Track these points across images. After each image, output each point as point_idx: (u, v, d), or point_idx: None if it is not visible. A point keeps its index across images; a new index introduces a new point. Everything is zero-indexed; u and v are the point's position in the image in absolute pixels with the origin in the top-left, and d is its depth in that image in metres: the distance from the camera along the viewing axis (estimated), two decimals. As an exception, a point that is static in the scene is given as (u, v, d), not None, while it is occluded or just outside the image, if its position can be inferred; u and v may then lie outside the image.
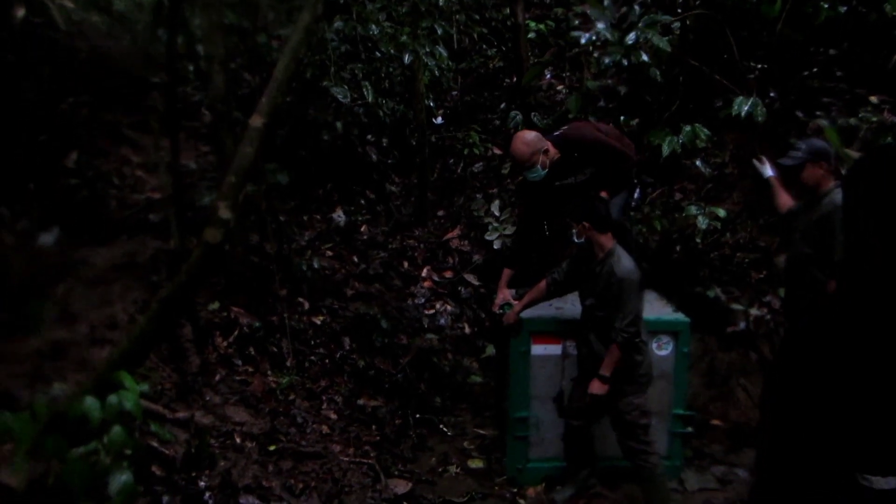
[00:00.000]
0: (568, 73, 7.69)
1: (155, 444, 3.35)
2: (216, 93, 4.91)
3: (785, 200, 4.13)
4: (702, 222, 5.01)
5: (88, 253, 4.85)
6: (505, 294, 4.31)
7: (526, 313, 4.14)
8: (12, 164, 5.10)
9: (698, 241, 5.31)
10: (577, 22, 7.39)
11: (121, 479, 2.86)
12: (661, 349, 4.22)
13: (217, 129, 4.98)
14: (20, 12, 5.08)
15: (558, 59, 7.80)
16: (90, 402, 2.96)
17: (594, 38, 5.35)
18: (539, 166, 4.07)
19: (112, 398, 2.99)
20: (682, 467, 4.29)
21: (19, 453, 2.66)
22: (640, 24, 5.09)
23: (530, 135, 4.13)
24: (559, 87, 7.61)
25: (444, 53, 7.06)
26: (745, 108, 4.86)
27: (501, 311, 4.20)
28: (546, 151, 4.08)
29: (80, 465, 2.71)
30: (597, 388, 3.68)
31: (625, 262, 3.62)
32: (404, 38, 6.48)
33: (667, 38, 5.40)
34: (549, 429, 4.23)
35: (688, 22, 5.87)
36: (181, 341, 4.04)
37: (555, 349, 4.20)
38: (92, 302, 4.39)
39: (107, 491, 2.82)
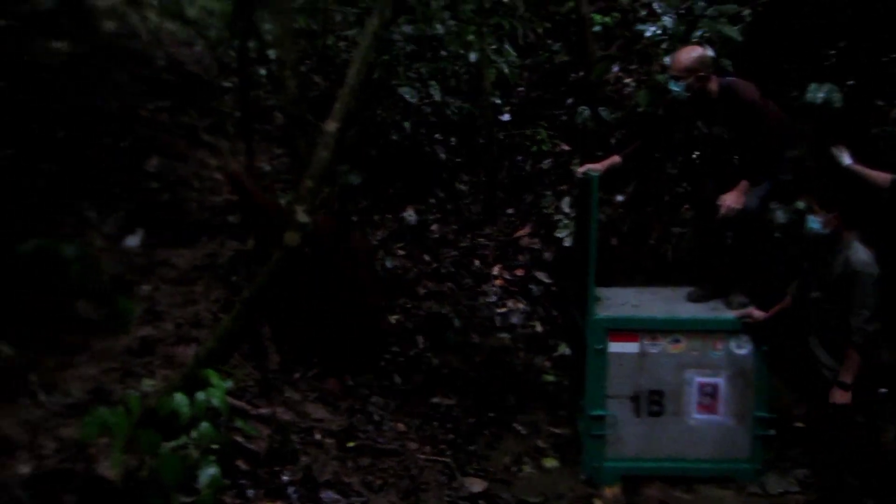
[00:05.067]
0: (636, 66, 7.54)
1: (240, 439, 3.44)
2: (288, 96, 5.02)
3: (880, 176, 3.89)
4: (780, 217, 4.82)
5: (171, 254, 5.05)
6: (594, 165, 4.19)
7: (603, 310, 4.09)
8: (99, 169, 5.34)
9: (777, 235, 5.13)
10: (643, 13, 7.24)
11: (209, 472, 2.95)
12: (741, 348, 4.10)
13: (290, 131, 5.09)
14: (108, 25, 5.31)
15: (625, 51, 7.66)
16: (179, 398, 3.06)
17: (659, 31, 5.23)
18: (685, 83, 3.92)
19: (200, 395, 3.10)
20: (763, 470, 4.16)
21: (116, 447, 2.77)
22: (706, 15, 4.94)
23: (703, 53, 3.96)
24: (627, 81, 7.47)
25: (510, 50, 7.03)
26: (821, 95, 4.64)
27: (584, 175, 4.12)
28: (704, 79, 3.92)
29: (172, 458, 2.81)
30: (839, 396, 3.42)
31: (861, 254, 3.38)
32: (470, 36, 6.49)
33: (737, 26, 5.23)
34: (625, 427, 4.16)
35: (759, 8, 5.67)
36: (261, 340, 4.14)
37: (632, 347, 4.12)
38: (176, 301, 4.56)
39: (196, 484, 2.91)
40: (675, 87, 3.99)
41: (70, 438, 3.09)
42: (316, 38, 7.29)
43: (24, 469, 2.81)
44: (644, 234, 5.58)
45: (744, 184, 3.94)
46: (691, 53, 3.98)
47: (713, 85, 3.99)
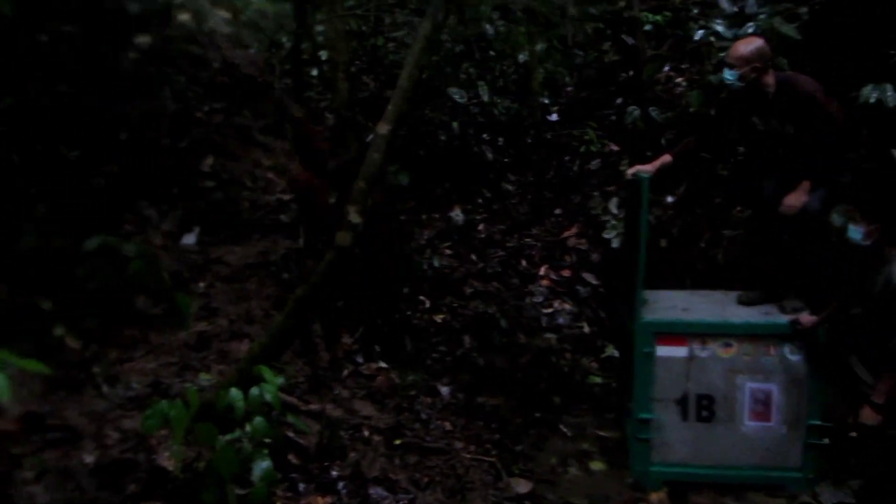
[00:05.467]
0: (687, 66, 7.43)
1: (291, 434, 3.53)
2: (340, 97, 5.12)
3: None
4: (837, 220, 4.69)
5: (225, 251, 5.18)
6: (644, 167, 4.15)
7: (651, 313, 4.06)
8: (158, 169, 5.52)
9: (834, 239, 5.00)
10: (695, 11, 7.13)
11: (262, 465, 3.03)
12: (794, 354, 4.01)
13: (341, 132, 5.18)
14: (168, 30, 5.48)
15: (677, 50, 7.55)
16: (235, 393, 3.15)
17: (710, 34, 5.15)
18: (739, 73, 3.85)
19: (254, 390, 3.18)
20: (816, 480, 4.07)
21: (177, 439, 2.88)
22: (760, 15, 4.84)
23: (762, 45, 3.88)
24: (678, 80, 7.36)
25: (559, 49, 7.01)
26: (875, 95, 4.49)
27: (634, 176, 4.09)
28: (760, 70, 3.84)
29: (229, 451, 2.90)
30: (869, 416, 3.39)
31: None
32: (519, 36, 6.49)
33: (794, 24, 5.11)
34: (672, 432, 4.12)
35: (816, 6, 5.52)
36: (312, 337, 4.23)
37: (680, 351, 4.08)
38: (230, 298, 4.69)
39: (250, 476, 3.00)
40: (728, 77, 3.92)
41: (132, 429, 3.22)
42: (366, 40, 7.39)
43: (89, 458, 2.94)
44: (694, 236, 5.51)
45: (806, 184, 3.85)
46: (750, 44, 3.90)
47: (770, 78, 3.91)
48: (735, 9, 5.06)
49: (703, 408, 4.05)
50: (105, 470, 2.90)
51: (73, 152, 4.73)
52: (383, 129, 3.45)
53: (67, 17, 5.40)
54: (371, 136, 6.12)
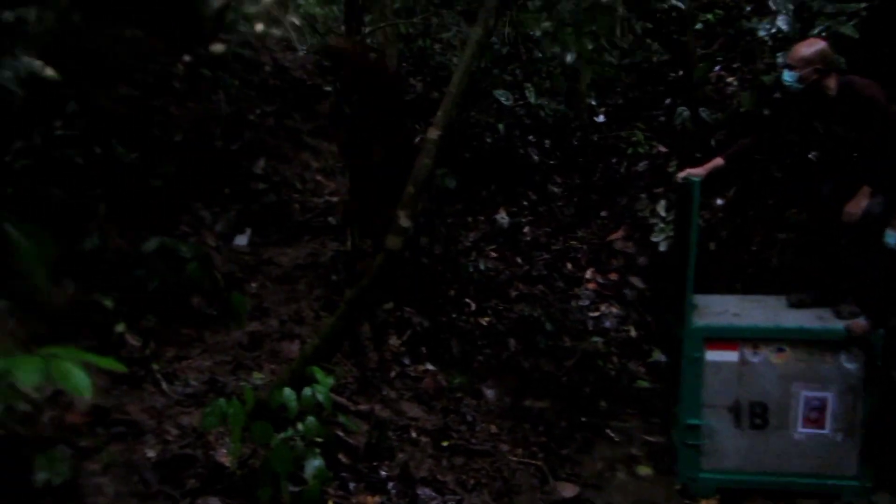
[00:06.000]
0: (739, 65, 7.30)
1: (341, 433, 3.60)
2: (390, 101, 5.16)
3: None
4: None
5: (276, 253, 5.30)
6: (694, 171, 4.09)
7: (700, 318, 4.01)
8: (211, 171, 5.67)
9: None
10: (748, 9, 7.00)
11: (314, 464, 3.10)
12: (851, 361, 3.92)
13: (390, 136, 5.23)
14: (222, 45, 5.62)
15: (728, 49, 7.42)
16: (288, 393, 3.24)
17: (774, 30, 5.04)
18: (800, 74, 3.78)
19: (307, 391, 3.26)
20: (872, 489, 3.97)
21: (235, 437, 2.97)
22: (823, 14, 4.73)
23: (825, 48, 3.81)
24: (729, 80, 7.24)
25: (607, 49, 6.96)
26: None
27: (684, 180, 4.03)
28: (822, 72, 3.77)
29: (283, 449, 2.97)
30: None
31: None
32: (567, 37, 6.46)
33: (852, 22, 4.98)
34: (723, 439, 4.07)
35: (875, 2, 5.36)
36: (361, 339, 4.30)
37: (731, 356, 4.02)
38: (280, 298, 4.80)
39: (302, 474, 3.08)
40: (787, 78, 3.85)
41: (189, 426, 3.32)
42: (412, 42, 7.45)
43: (151, 453, 3.05)
44: (746, 240, 5.42)
45: (866, 189, 3.77)
46: (812, 46, 3.83)
47: (832, 81, 3.83)
48: (792, 6, 4.95)
49: (756, 415, 3.98)
50: (166, 464, 3.00)
51: (132, 154, 4.89)
52: (433, 134, 3.48)
53: (128, 21, 5.59)
54: (418, 139, 6.20)
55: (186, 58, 6.09)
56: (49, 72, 3.85)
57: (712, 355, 4.04)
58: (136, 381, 3.54)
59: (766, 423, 3.98)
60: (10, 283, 2.79)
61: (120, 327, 3.85)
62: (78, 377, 1.71)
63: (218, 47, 5.75)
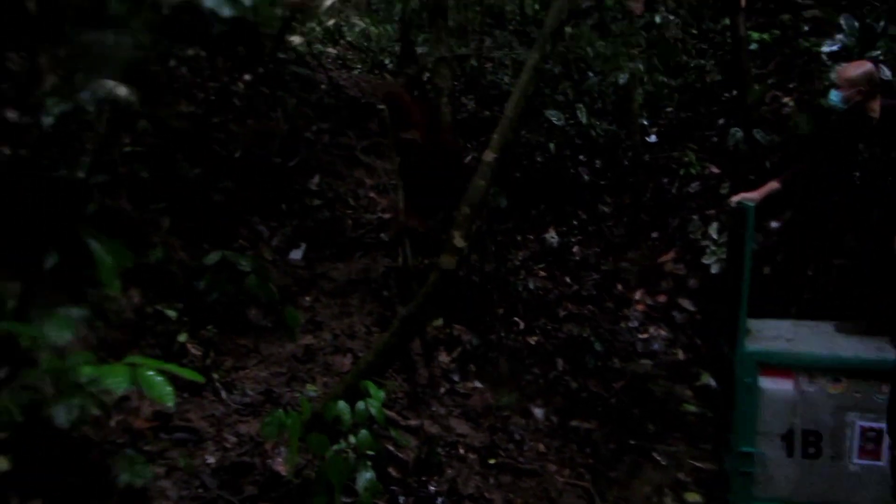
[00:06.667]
0: (795, 84, 7.20)
1: (391, 447, 3.66)
2: (444, 121, 5.27)
3: None
4: None
5: (329, 267, 5.43)
6: (749, 195, 4.05)
7: (754, 343, 3.96)
8: (269, 186, 5.84)
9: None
10: (806, 28, 6.91)
11: (366, 476, 3.18)
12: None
13: (442, 155, 5.33)
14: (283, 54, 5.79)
15: (784, 70, 7.33)
16: (342, 405, 3.32)
17: (836, 47, 4.99)
18: (844, 95, 3.76)
19: (360, 404, 3.34)
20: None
21: (292, 447, 3.06)
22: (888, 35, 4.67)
23: (872, 70, 3.77)
24: (785, 100, 7.14)
25: (660, 69, 6.94)
26: None
27: (738, 204, 4.00)
28: (867, 94, 3.73)
29: (337, 460, 3.05)
30: None
31: None
32: (619, 57, 6.48)
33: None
34: (776, 468, 4.00)
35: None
36: (411, 355, 4.37)
37: (786, 384, 3.96)
38: (333, 312, 4.91)
39: (354, 486, 3.15)
40: (833, 98, 3.84)
41: (247, 434, 3.44)
42: (464, 61, 7.56)
43: (211, 459, 3.17)
44: (801, 264, 5.33)
45: None
46: (860, 67, 3.80)
47: (875, 104, 3.79)
48: (857, 24, 4.89)
49: (810, 444, 3.91)
50: (225, 470, 3.11)
51: (195, 170, 5.08)
52: (489, 157, 3.55)
53: (192, 40, 5.81)
54: (469, 157, 6.28)
55: (246, 76, 6.31)
56: (123, 91, 4.04)
57: (766, 382, 3.98)
58: (197, 389, 3.67)
59: (820, 452, 3.90)
60: (88, 293, 2.95)
61: (182, 337, 4.00)
62: (161, 386, 1.81)
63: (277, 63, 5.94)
